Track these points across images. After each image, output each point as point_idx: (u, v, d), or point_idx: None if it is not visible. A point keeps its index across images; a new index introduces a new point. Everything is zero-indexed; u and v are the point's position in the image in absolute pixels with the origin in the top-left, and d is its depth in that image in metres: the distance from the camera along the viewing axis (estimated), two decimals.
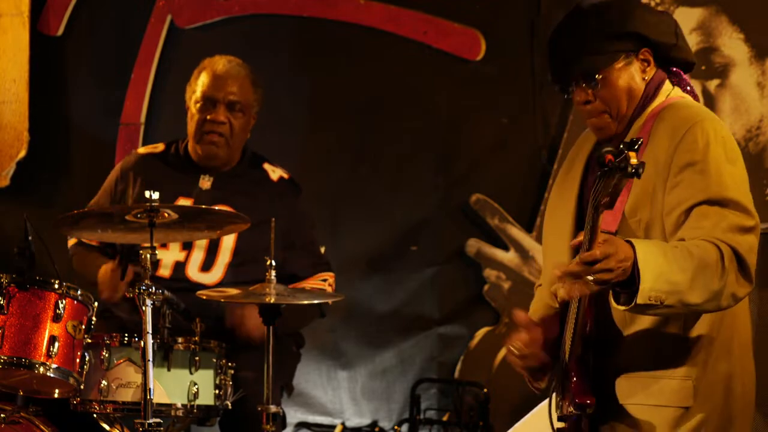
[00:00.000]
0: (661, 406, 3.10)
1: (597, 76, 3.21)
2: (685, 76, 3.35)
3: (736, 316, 3.18)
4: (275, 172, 4.74)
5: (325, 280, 4.68)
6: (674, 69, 3.32)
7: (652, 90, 3.26)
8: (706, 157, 3.09)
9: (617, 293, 3.01)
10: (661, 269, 2.94)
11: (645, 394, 3.11)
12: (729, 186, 3.09)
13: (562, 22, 3.31)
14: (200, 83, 4.62)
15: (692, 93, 3.34)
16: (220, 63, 4.65)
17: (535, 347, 3.25)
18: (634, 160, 2.76)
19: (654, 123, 3.20)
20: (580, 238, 2.96)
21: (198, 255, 4.57)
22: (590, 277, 2.92)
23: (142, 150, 4.80)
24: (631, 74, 3.24)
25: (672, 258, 2.97)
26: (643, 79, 3.26)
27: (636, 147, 2.78)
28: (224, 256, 4.57)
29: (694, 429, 3.09)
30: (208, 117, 4.58)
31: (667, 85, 3.29)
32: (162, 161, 4.70)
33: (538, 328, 3.26)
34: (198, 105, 4.60)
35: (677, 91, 3.29)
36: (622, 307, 2.99)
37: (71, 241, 4.71)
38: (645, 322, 3.12)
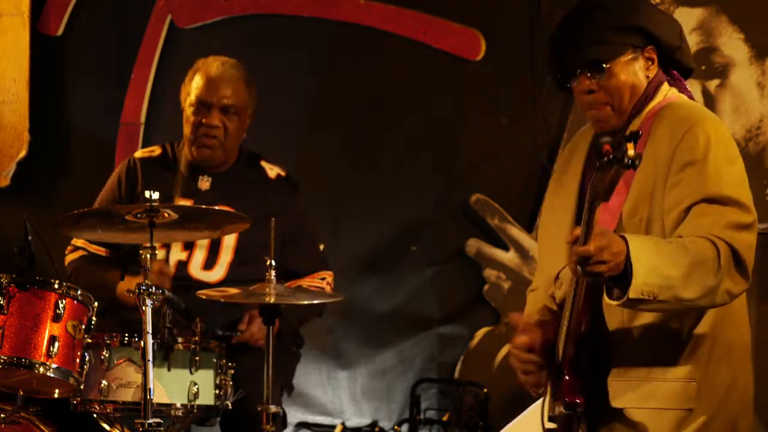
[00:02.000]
0: (664, 408, 3.09)
1: (604, 65, 3.20)
2: (683, 82, 3.34)
3: (736, 316, 3.17)
4: (272, 170, 4.75)
5: (323, 279, 4.69)
6: (674, 72, 3.32)
7: (653, 89, 3.26)
8: (707, 157, 3.09)
9: (610, 288, 3.00)
10: (654, 263, 2.94)
11: (646, 396, 3.10)
12: (727, 184, 3.09)
13: (568, 13, 3.30)
14: (194, 86, 4.62)
15: (690, 97, 3.34)
16: (214, 66, 4.65)
17: (534, 349, 3.25)
18: (631, 152, 2.75)
19: (654, 121, 3.20)
20: (577, 233, 2.96)
21: (200, 254, 4.58)
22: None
23: (138, 154, 4.80)
24: (635, 70, 3.23)
25: (666, 253, 2.97)
26: (647, 76, 3.25)
27: (635, 139, 2.77)
28: (226, 254, 4.58)
29: (698, 431, 3.09)
30: (203, 121, 4.59)
31: (666, 86, 3.29)
32: (159, 164, 4.71)
33: (538, 330, 3.26)
34: (192, 108, 4.61)
35: (674, 92, 3.30)
36: (615, 302, 2.98)
37: (70, 257, 4.70)
38: (643, 322, 3.11)
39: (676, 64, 3.31)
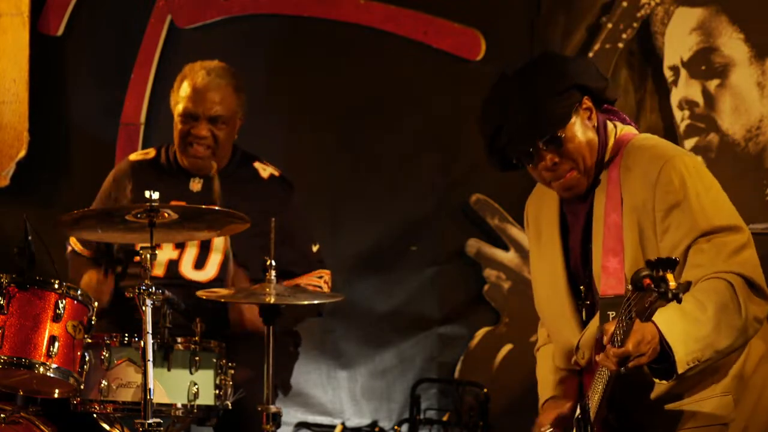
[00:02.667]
0: (704, 426, 3.13)
1: (560, 134, 3.21)
2: (617, 111, 3.37)
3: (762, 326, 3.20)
4: (266, 170, 4.74)
5: (321, 277, 4.69)
6: (605, 106, 3.35)
7: (603, 135, 3.29)
8: (686, 194, 3.13)
9: (654, 368, 3.03)
10: (687, 333, 2.99)
11: (685, 418, 3.14)
12: (714, 213, 3.13)
13: (495, 97, 3.33)
14: (181, 96, 4.60)
15: (631, 123, 3.37)
16: (200, 75, 4.61)
17: (559, 423, 3.29)
18: (673, 284, 2.76)
19: (621, 172, 3.23)
20: (610, 330, 2.97)
21: (191, 253, 4.58)
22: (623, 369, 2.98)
23: (133, 157, 4.81)
24: (582, 126, 3.26)
25: (691, 315, 3.01)
26: (593, 126, 3.28)
27: (673, 268, 2.77)
28: (217, 253, 4.58)
29: None
30: (192, 131, 4.59)
31: (610, 125, 3.31)
32: (153, 166, 4.71)
33: (561, 404, 3.29)
34: (180, 117, 4.61)
35: (621, 127, 3.32)
36: (665, 382, 3.03)
37: (69, 249, 4.72)
38: None
39: (605, 101, 3.34)
